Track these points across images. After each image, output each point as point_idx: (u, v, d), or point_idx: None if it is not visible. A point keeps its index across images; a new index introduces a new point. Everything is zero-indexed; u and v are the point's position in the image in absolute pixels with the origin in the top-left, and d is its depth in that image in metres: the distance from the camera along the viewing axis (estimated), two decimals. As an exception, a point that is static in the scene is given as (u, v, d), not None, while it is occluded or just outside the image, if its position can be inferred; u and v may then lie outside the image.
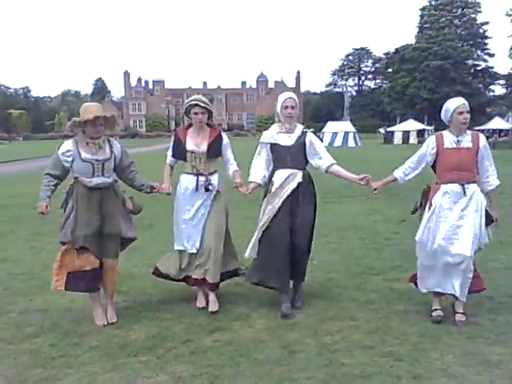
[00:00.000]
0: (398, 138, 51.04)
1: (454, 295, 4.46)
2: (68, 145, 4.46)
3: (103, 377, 3.57)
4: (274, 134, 4.86)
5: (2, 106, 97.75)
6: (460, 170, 4.39)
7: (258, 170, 4.92)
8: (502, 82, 73.98)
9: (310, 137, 4.86)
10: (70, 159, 4.42)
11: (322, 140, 46.94)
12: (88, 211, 4.41)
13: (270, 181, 4.83)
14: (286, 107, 4.79)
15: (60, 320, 4.64)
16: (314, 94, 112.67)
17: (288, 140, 4.80)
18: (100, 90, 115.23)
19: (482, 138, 4.50)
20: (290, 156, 4.77)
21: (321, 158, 4.85)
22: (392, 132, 53.10)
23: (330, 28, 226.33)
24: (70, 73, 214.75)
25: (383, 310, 4.75)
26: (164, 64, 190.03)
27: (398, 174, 4.73)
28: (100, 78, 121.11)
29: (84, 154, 4.41)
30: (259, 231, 4.82)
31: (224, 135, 4.96)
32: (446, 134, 4.54)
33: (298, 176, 4.75)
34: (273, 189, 4.77)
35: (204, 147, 4.79)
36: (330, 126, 50.54)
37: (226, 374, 3.57)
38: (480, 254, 4.75)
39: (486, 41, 76.48)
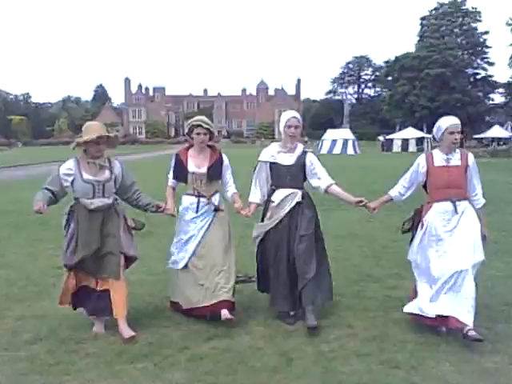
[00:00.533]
0: (397, 146, 51.17)
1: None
2: (69, 164, 4.44)
3: (100, 384, 3.56)
4: (275, 153, 4.84)
5: (3, 112, 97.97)
6: (450, 188, 4.43)
7: (258, 189, 4.92)
8: (501, 90, 74.23)
9: (310, 157, 4.85)
10: (70, 179, 4.39)
11: (321, 147, 47.12)
12: (88, 233, 4.38)
13: (268, 199, 4.83)
14: (290, 126, 4.77)
15: (57, 327, 4.64)
16: (314, 101, 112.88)
17: (288, 159, 4.79)
18: (100, 97, 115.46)
19: (471, 157, 4.56)
20: (290, 175, 4.76)
21: (320, 179, 4.84)
22: (391, 140, 53.25)
23: (330, 36, 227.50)
24: (71, 79, 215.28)
25: (381, 318, 4.76)
26: (165, 71, 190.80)
27: (394, 193, 4.80)
28: (101, 85, 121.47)
29: (85, 175, 4.39)
30: (258, 229, 4.86)
31: (224, 157, 4.96)
32: (435, 152, 4.61)
33: (298, 195, 4.73)
34: (272, 207, 4.77)
35: (204, 169, 4.80)
36: (330, 134, 50.66)
37: (223, 382, 3.58)
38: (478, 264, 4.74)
39: (486, 50, 76.78)
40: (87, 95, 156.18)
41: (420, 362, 3.83)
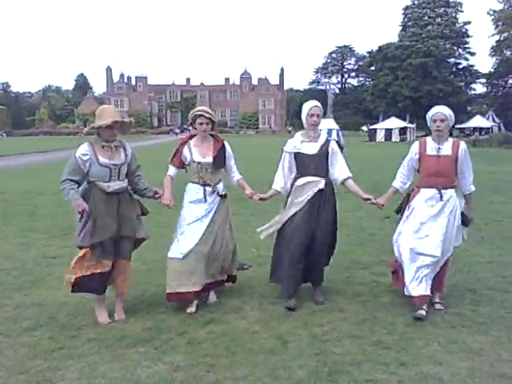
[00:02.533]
0: (380, 136, 51.56)
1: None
2: (84, 148, 4.41)
3: (103, 367, 3.69)
4: (298, 144, 4.94)
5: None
6: (438, 176, 4.65)
7: (281, 178, 5.04)
8: (482, 80, 74.90)
9: (333, 145, 4.97)
10: (88, 164, 4.36)
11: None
12: (106, 216, 4.41)
13: (292, 186, 4.94)
14: (312, 115, 4.88)
15: (56, 314, 4.73)
16: (298, 91, 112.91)
17: (312, 148, 4.89)
18: (82, 86, 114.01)
19: (462, 146, 4.73)
20: (314, 164, 4.86)
21: (339, 170, 4.96)
22: (375, 130, 53.63)
23: (313, 25, 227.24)
24: (51, 68, 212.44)
25: (370, 302, 4.95)
26: (147, 60, 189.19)
27: (398, 184, 4.97)
28: (82, 74, 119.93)
29: (102, 159, 4.39)
30: (277, 223, 4.98)
31: (227, 145, 5.08)
32: (428, 140, 4.80)
33: (321, 183, 4.83)
34: (293, 191, 4.89)
35: (210, 158, 4.90)
36: (314, 124, 50.78)
37: (222, 363, 3.72)
38: (463, 249, 4.98)
39: (468, 39, 77.37)
40: (68, 84, 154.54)
41: (409, 343, 4.02)
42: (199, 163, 4.90)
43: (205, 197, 4.88)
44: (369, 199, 4.90)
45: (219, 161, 4.96)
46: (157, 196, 4.83)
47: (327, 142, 4.97)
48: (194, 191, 4.93)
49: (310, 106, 4.94)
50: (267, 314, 4.67)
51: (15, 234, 8.27)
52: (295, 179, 4.94)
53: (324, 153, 4.90)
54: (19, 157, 28.41)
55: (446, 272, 4.86)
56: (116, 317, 4.63)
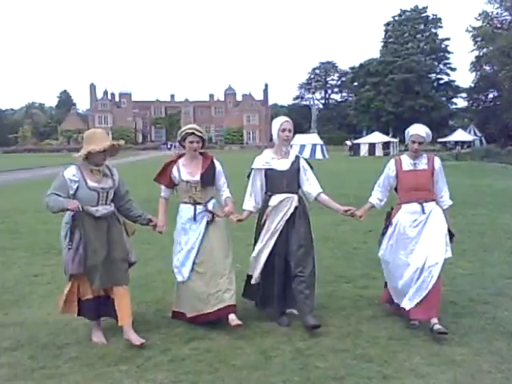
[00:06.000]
0: (364, 150, 51.97)
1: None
2: (72, 171, 4.36)
3: (85, 386, 3.64)
4: (269, 160, 4.89)
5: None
6: (418, 190, 4.71)
7: (252, 197, 4.96)
8: (463, 95, 76.10)
9: (303, 162, 4.97)
10: (75, 186, 4.31)
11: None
12: (96, 241, 4.36)
13: (265, 205, 4.88)
14: (284, 130, 4.83)
15: (37, 333, 4.67)
16: (282, 106, 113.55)
17: (283, 165, 4.85)
18: (65, 103, 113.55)
19: (437, 161, 4.85)
20: (286, 181, 4.82)
21: (311, 185, 4.94)
22: (358, 144, 54.05)
23: (296, 42, 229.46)
24: (34, 85, 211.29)
25: (354, 316, 4.96)
26: (131, 76, 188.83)
27: (374, 200, 5.01)
28: (65, 91, 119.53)
29: (90, 183, 4.35)
30: (257, 252, 4.88)
31: (217, 163, 4.96)
32: (403, 157, 4.90)
33: (295, 200, 4.82)
34: (269, 213, 4.83)
35: (197, 177, 4.78)
36: (298, 139, 50.92)
37: (205, 380, 3.70)
38: (445, 261, 4.99)
39: (448, 55, 78.79)
40: (51, 101, 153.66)
41: (392, 356, 4.03)
42: (188, 182, 4.80)
43: (195, 216, 4.77)
44: (349, 210, 4.90)
45: (207, 178, 4.84)
46: (151, 224, 4.75)
47: (297, 158, 4.96)
48: (185, 211, 4.83)
49: (280, 121, 4.92)
50: (251, 330, 4.66)
51: (-4, 252, 8.15)
52: (268, 198, 4.87)
53: (295, 169, 4.87)
54: (1, 174, 28.12)
55: (439, 290, 4.62)
56: (135, 343, 4.31)
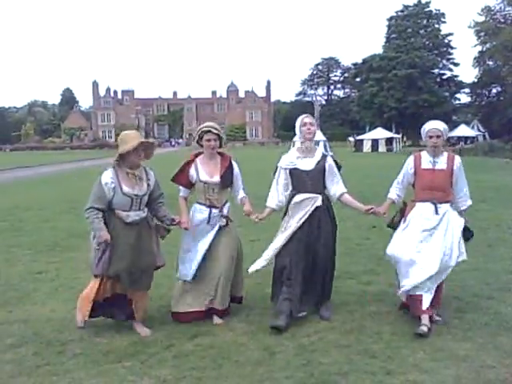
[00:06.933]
0: (367, 146, 51.91)
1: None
2: (109, 175, 4.35)
3: (89, 382, 3.66)
4: (294, 159, 4.83)
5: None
6: (433, 190, 4.65)
7: (275, 195, 4.89)
8: (467, 90, 75.78)
9: (330, 161, 4.88)
10: (112, 192, 4.30)
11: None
12: (125, 246, 4.35)
13: (288, 203, 4.83)
14: (305, 124, 4.80)
15: (41, 330, 4.68)
16: (284, 103, 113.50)
17: (308, 164, 4.78)
18: (68, 100, 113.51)
19: (457, 160, 4.75)
20: (311, 180, 4.76)
21: (336, 185, 4.87)
22: (361, 140, 54.01)
23: (299, 38, 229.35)
24: (37, 83, 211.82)
25: (357, 312, 4.96)
26: (133, 74, 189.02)
27: (394, 196, 4.97)
28: (68, 88, 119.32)
29: (125, 188, 4.32)
30: (273, 250, 4.80)
31: (234, 164, 4.89)
32: (423, 154, 4.81)
33: (318, 200, 4.74)
34: (291, 207, 4.79)
35: (217, 178, 4.72)
36: (301, 135, 51.04)
37: (209, 376, 3.71)
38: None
39: (451, 51, 78.41)
40: (54, 99, 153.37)
41: (396, 352, 4.03)
42: (205, 183, 4.73)
43: (209, 219, 4.73)
44: (371, 208, 4.85)
45: (226, 180, 4.78)
46: (174, 223, 4.69)
47: (323, 157, 4.88)
48: (199, 212, 4.78)
49: (301, 117, 4.92)
50: (254, 326, 4.66)
51: (0, 249, 8.18)
52: (292, 196, 4.82)
53: (321, 169, 4.79)
54: (5, 172, 28.19)
55: (442, 289, 4.79)
56: (142, 334, 4.50)
